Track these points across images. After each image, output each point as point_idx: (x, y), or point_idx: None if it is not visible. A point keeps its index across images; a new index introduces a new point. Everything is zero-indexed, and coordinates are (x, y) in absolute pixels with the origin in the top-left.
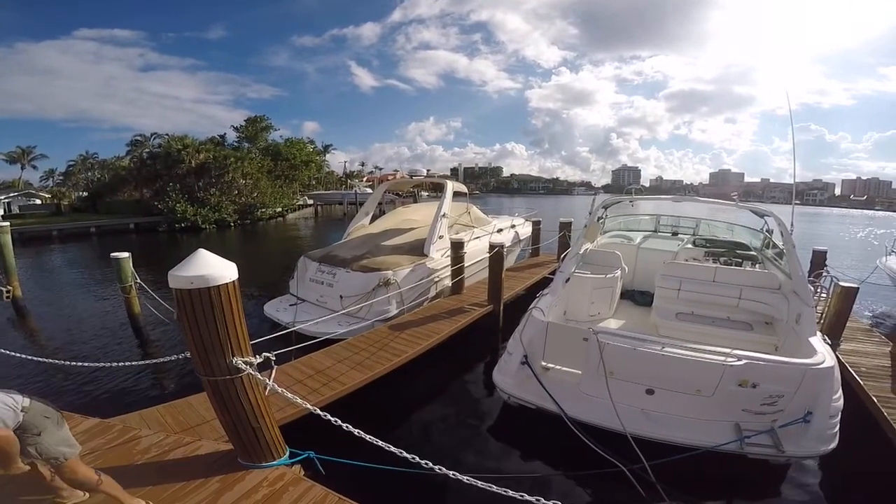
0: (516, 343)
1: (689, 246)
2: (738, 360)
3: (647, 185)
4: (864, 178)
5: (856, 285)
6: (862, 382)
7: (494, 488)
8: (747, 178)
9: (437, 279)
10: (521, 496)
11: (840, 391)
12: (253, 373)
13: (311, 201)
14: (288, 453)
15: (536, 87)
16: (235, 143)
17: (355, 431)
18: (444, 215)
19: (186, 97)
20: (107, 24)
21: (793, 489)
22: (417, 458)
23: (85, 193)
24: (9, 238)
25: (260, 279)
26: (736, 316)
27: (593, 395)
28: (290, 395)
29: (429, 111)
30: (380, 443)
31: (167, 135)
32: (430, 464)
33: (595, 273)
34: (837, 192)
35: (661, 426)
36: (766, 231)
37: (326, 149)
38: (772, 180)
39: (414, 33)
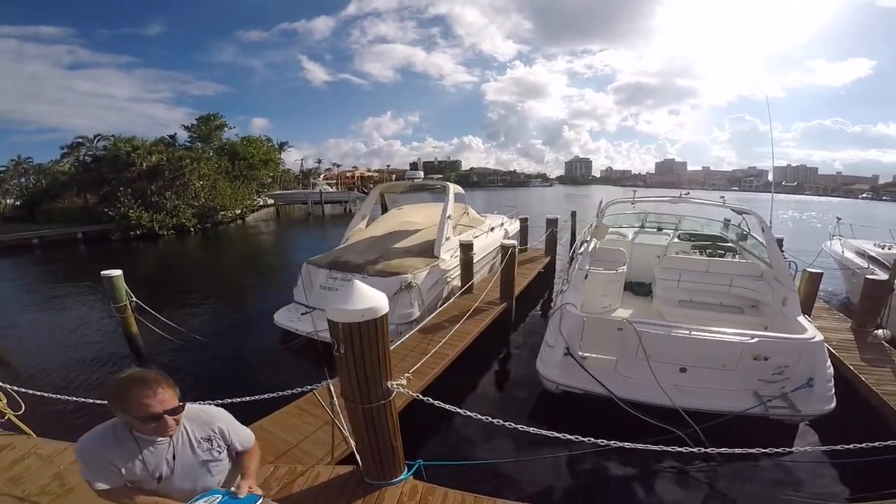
0: (556, 336)
1: (677, 240)
2: (752, 338)
3: (598, 175)
4: (793, 164)
5: (820, 271)
6: (837, 354)
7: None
8: (690, 167)
9: (448, 280)
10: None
11: (829, 360)
12: (404, 391)
13: (270, 201)
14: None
15: (493, 80)
16: (188, 144)
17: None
18: (449, 217)
19: (121, 95)
20: (30, 21)
21: (804, 442)
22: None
23: (18, 202)
24: None
25: (246, 287)
26: (727, 301)
27: (631, 377)
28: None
29: (386, 106)
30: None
31: (113, 136)
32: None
33: (606, 269)
34: (770, 178)
35: (696, 398)
36: (743, 226)
37: (282, 146)
38: (711, 168)
39: (370, 27)
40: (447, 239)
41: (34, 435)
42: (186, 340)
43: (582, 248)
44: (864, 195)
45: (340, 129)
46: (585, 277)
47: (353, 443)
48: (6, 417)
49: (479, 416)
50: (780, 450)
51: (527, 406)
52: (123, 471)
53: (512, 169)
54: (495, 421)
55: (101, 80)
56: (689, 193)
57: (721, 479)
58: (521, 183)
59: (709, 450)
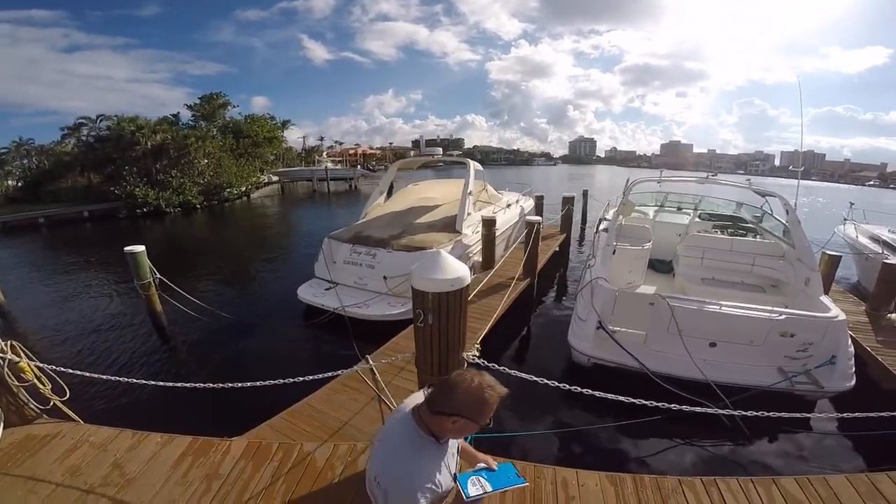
0: (588, 310)
1: (698, 220)
2: (780, 315)
3: (603, 155)
4: (801, 150)
5: (839, 253)
6: (854, 336)
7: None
8: (696, 150)
9: (469, 255)
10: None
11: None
12: (477, 361)
13: (275, 179)
14: None
15: (497, 59)
16: (191, 123)
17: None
18: (470, 193)
19: (119, 77)
20: (21, 6)
21: (824, 420)
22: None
23: (20, 183)
24: None
25: (261, 262)
26: (749, 280)
27: (662, 351)
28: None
29: (388, 84)
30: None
31: (115, 116)
32: None
33: (632, 245)
34: (777, 163)
35: (726, 372)
36: (765, 208)
37: (285, 124)
38: (717, 151)
39: (371, 4)
40: (468, 214)
41: (81, 421)
42: (211, 317)
43: (604, 225)
44: (872, 182)
45: (342, 107)
46: (613, 253)
47: None
48: (51, 404)
49: (548, 382)
50: (810, 415)
51: (556, 378)
52: (441, 486)
53: (515, 147)
54: (562, 385)
55: (98, 63)
56: (715, 175)
57: (750, 451)
58: (525, 161)
59: (747, 413)
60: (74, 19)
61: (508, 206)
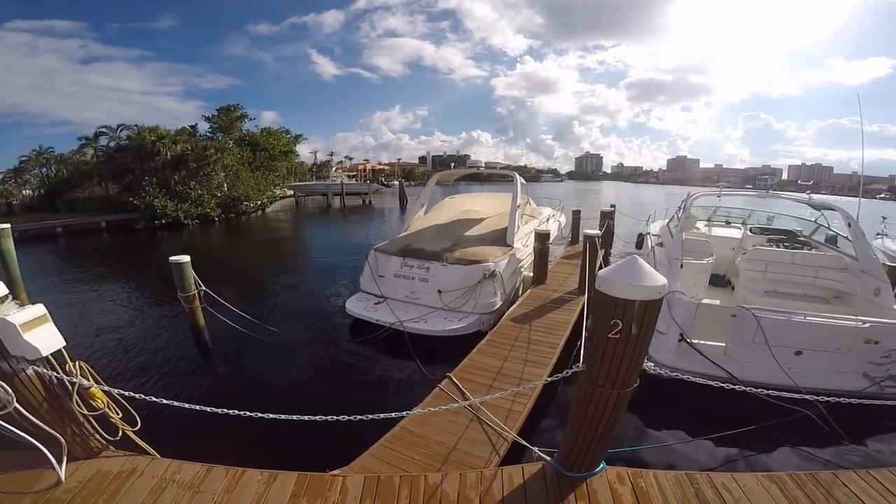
0: (668, 323)
1: (750, 234)
2: (864, 323)
3: (609, 171)
4: (808, 164)
5: None
6: None
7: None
8: (702, 164)
9: (521, 269)
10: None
11: None
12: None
13: (290, 192)
14: None
15: (502, 75)
16: (209, 134)
17: None
18: (519, 206)
19: (133, 89)
20: (43, 15)
21: None
22: None
23: (39, 191)
24: (11, 243)
25: (288, 273)
26: (811, 292)
27: (746, 361)
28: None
29: (394, 100)
30: None
31: (136, 126)
32: None
33: (696, 259)
34: (785, 177)
35: (814, 379)
36: (820, 221)
37: (298, 138)
38: (724, 166)
39: (379, 21)
40: (518, 228)
41: (158, 455)
42: (255, 331)
43: (656, 239)
44: (882, 195)
45: (349, 122)
46: (681, 266)
47: (510, 436)
48: (119, 434)
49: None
50: None
51: (641, 392)
52: None
53: (521, 164)
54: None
55: (113, 74)
56: (776, 190)
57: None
58: (532, 178)
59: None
60: (93, 30)
61: (548, 220)
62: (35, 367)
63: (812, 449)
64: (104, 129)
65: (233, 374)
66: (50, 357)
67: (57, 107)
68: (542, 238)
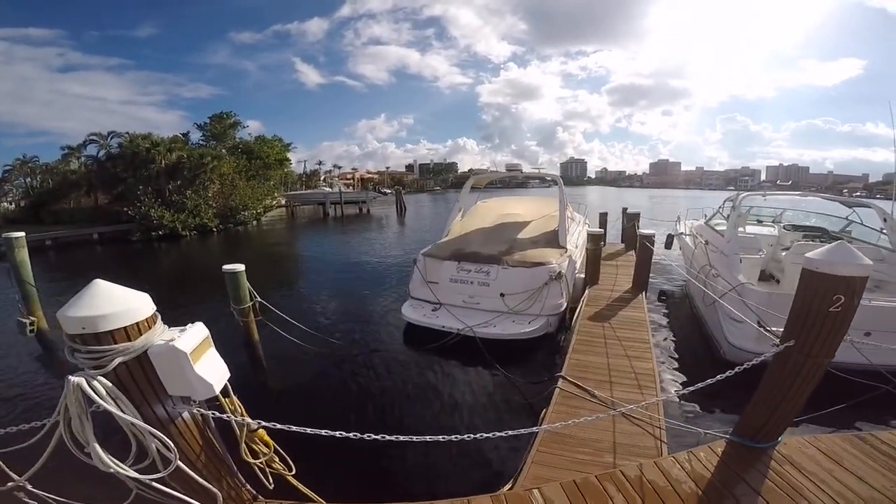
0: (744, 312)
1: (785, 231)
2: None
3: (594, 176)
4: (785, 164)
5: None
6: None
7: None
8: (683, 167)
9: (576, 270)
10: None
11: None
12: None
13: (283, 202)
14: None
15: (487, 82)
16: (201, 143)
17: None
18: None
19: (113, 98)
20: (19, 23)
21: None
22: None
23: (20, 203)
24: (26, 253)
25: (311, 282)
26: None
27: None
28: None
29: (380, 108)
30: None
31: (127, 133)
32: None
33: (748, 254)
34: (763, 178)
35: (887, 356)
36: (851, 218)
37: (289, 147)
38: (705, 168)
39: (364, 28)
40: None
41: (324, 502)
42: (313, 343)
43: (691, 239)
44: (858, 193)
45: (334, 131)
46: (740, 261)
47: (662, 422)
48: (272, 482)
49: None
50: None
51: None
52: None
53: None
54: None
55: (92, 83)
56: (815, 189)
57: None
58: (521, 184)
59: None
60: (71, 38)
61: (585, 222)
62: (190, 408)
63: None
64: (94, 137)
65: (302, 389)
66: (220, 395)
67: (35, 116)
68: (594, 239)
